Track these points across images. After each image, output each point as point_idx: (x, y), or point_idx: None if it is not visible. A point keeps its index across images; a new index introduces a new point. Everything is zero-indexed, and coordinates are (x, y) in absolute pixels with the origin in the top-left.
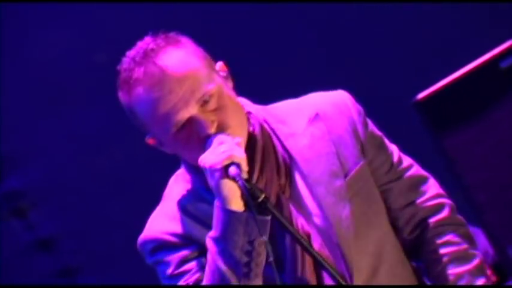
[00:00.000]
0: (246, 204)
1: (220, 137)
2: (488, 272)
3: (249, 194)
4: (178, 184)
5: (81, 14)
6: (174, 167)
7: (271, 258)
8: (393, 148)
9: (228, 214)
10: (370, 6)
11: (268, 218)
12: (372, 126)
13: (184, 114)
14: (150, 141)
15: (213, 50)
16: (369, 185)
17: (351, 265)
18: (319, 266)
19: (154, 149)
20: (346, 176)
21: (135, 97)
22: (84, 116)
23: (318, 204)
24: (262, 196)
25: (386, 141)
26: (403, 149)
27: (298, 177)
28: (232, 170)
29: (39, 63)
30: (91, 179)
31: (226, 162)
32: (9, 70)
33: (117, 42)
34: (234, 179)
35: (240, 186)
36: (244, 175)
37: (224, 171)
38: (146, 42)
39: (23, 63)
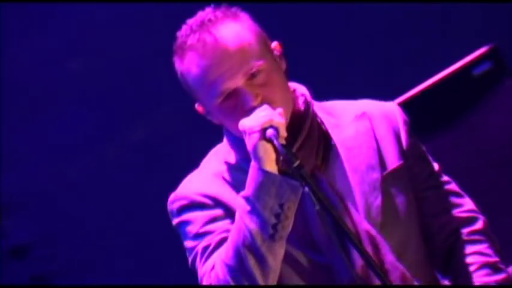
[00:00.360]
0: (279, 169)
1: (262, 106)
2: None
3: (284, 156)
4: (217, 155)
5: (55, 22)
6: (147, 174)
7: (317, 207)
8: (435, 163)
9: (263, 174)
10: (340, 12)
11: (301, 184)
12: (416, 137)
13: (230, 85)
14: (198, 108)
15: None
16: (404, 185)
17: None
18: (347, 238)
19: (126, 156)
20: (383, 171)
21: (187, 62)
22: (57, 124)
23: (350, 190)
24: (297, 162)
25: (428, 155)
26: None
27: (336, 162)
28: (270, 131)
29: (12, 71)
30: (64, 186)
31: (266, 125)
32: None
33: (91, 51)
34: (270, 140)
35: (276, 148)
36: (282, 140)
37: (262, 133)
38: (206, 12)
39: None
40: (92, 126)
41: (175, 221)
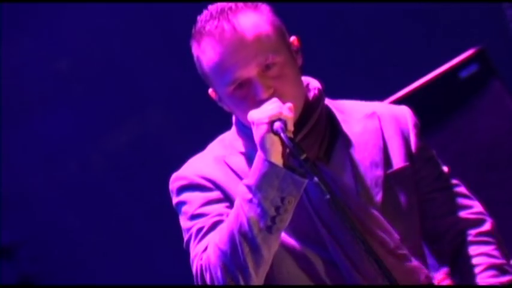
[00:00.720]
0: (285, 162)
1: (273, 99)
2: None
3: (291, 148)
4: (223, 141)
5: (43, 22)
6: (135, 175)
7: (327, 196)
8: (444, 166)
9: (268, 165)
10: (324, 12)
11: (305, 180)
12: (425, 141)
13: (242, 74)
14: (212, 94)
15: None
16: (407, 186)
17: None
18: (352, 231)
19: (113, 158)
20: (387, 170)
21: (202, 46)
22: (45, 124)
23: (351, 183)
24: (304, 156)
25: (438, 159)
26: None
27: (340, 154)
28: (277, 124)
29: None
30: (51, 187)
31: (274, 117)
32: None
33: (80, 51)
34: (277, 133)
35: (283, 141)
36: (289, 134)
37: (270, 125)
38: (227, 1)
39: None
40: (80, 127)
41: (174, 200)
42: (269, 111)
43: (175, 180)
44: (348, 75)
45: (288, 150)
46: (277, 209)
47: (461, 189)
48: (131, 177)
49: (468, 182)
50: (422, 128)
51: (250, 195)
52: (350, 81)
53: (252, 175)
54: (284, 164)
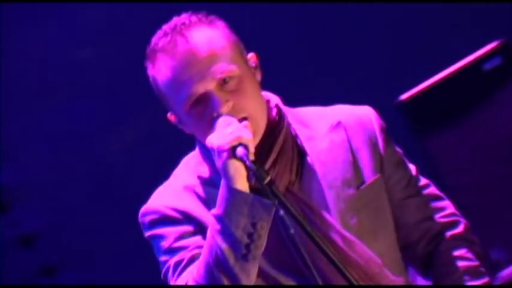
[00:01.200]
0: (251, 186)
1: (227, 119)
2: None
3: (254, 173)
4: (188, 166)
5: (68, 10)
6: (156, 168)
7: (291, 231)
8: (412, 166)
9: (234, 193)
10: (353, 6)
11: (273, 202)
12: (393, 143)
13: (199, 88)
14: (170, 117)
15: None
16: (380, 199)
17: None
18: (323, 255)
19: (137, 148)
20: (359, 186)
21: (157, 64)
22: (69, 113)
23: (326, 206)
24: (268, 178)
25: (405, 159)
26: None
27: (311, 177)
28: (240, 150)
29: (24, 60)
30: (75, 176)
31: (234, 143)
32: None
33: (101, 42)
34: (241, 159)
35: (247, 167)
36: (251, 157)
37: (231, 151)
38: (181, 17)
39: (8, 61)
40: (104, 116)
41: (147, 233)
42: (228, 136)
43: (146, 214)
44: (370, 68)
45: (252, 174)
46: (250, 236)
47: (432, 190)
48: (152, 165)
49: (490, 174)
50: (446, 121)
51: (220, 226)
52: (373, 74)
53: (219, 205)
54: (250, 187)
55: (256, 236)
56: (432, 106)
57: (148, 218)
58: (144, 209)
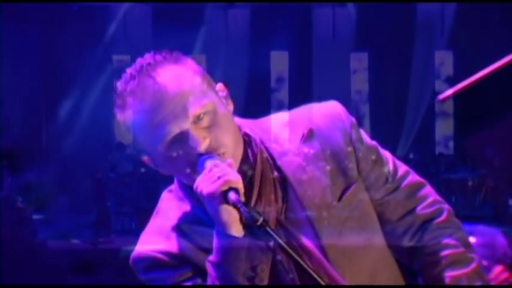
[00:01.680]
0: (245, 228)
1: (212, 161)
2: (506, 273)
3: (247, 216)
4: (171, 201)
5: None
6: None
7: (290, 275)
8: (387, 157)
9: (230, 240)
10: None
11: (270, 243)
12: (365, 137)
13: (173, 128)
14: (147, 160)
15: None
16: (363, 204)
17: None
18: None
19: None
20: (340, 197)
21: (127, 109)
22: None
23: (312, 228)
24: (261, 219)
25: (381, 150)
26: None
27: (293, 200)
28: (232, 195)
29: None
30: None
31: (224, 188)
32: None
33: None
34: (234, 205)
35: (240, 212)
36: (242, 198)
37: (223, 197)
38: (145, 58)
39: None
40: None
41: (143, 277)
42: (217, 181)
43: (139, 260)
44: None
45: (246, 218)
46: (250, 279)
47: (412, 178)
48: None
49: None
50: (483, 119)
51: (219, 273)
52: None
53: (216, 252)
54: (244, 229)
55: (257, 279)
56: (470, 105)
57: (142, 264)
58: (135, 254)
